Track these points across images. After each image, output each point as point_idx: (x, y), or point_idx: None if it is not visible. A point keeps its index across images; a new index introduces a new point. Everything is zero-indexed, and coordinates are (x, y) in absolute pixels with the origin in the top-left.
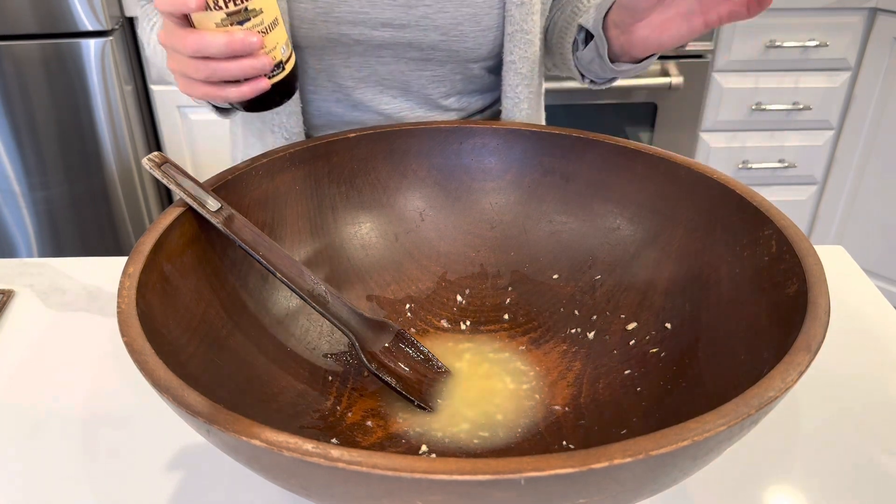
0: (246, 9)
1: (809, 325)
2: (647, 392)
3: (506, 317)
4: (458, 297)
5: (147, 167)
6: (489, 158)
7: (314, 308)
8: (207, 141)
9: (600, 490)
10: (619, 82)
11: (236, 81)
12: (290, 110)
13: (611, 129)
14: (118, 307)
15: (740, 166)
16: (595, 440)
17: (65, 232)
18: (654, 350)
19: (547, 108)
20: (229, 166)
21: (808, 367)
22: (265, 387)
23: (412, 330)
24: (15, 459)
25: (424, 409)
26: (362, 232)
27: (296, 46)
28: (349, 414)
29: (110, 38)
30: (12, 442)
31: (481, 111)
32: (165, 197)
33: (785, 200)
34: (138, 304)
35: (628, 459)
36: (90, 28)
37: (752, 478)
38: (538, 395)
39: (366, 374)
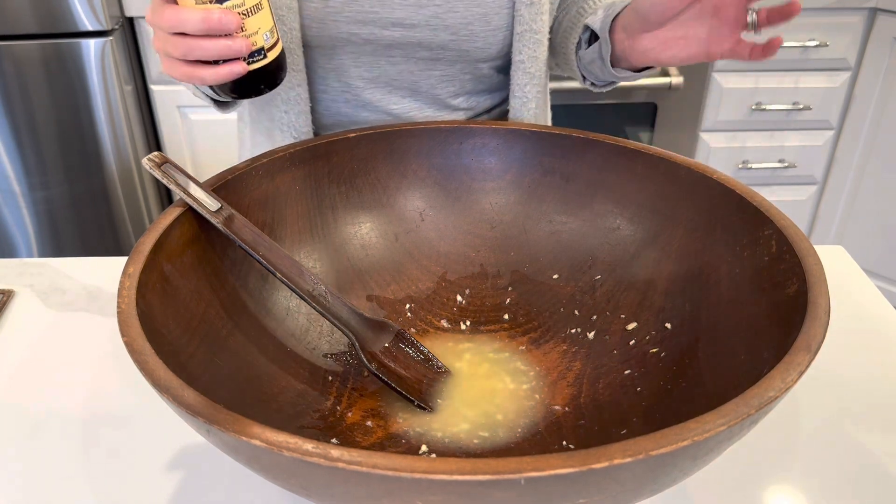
0: None
1: (809, 325)
2: (647, 392)
3: (506, 317)
4: (458, 297)
5: (147, 167)
6: (489, 158)
7: (314, 308)
8: (207, 141)
9: (600, 490)
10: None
11: (216, 63)
12: (298, 110)
13: (611, 129)
14: (118, 307)
15: (740, 166)
16: (595, 440)
17: (65, 232)
18: (654, 350)
19: None
20: (229, 166)
21: (808, 367)
22: (265, 387)
23: (412, 330)
24: (15, 459)
25: (424, 409)
26: (362, 232)
27: (306, 46)
28: (349, 414)
29: (110, 38)
30: (12, 442)
31: (489, 111)
32: (165, 197)
33: (785, 200)
34: (138, 304)
35: (628, 459)
36: (90, 28)
37: (752, 478)
38: (538, 395)
39: (366, 374)
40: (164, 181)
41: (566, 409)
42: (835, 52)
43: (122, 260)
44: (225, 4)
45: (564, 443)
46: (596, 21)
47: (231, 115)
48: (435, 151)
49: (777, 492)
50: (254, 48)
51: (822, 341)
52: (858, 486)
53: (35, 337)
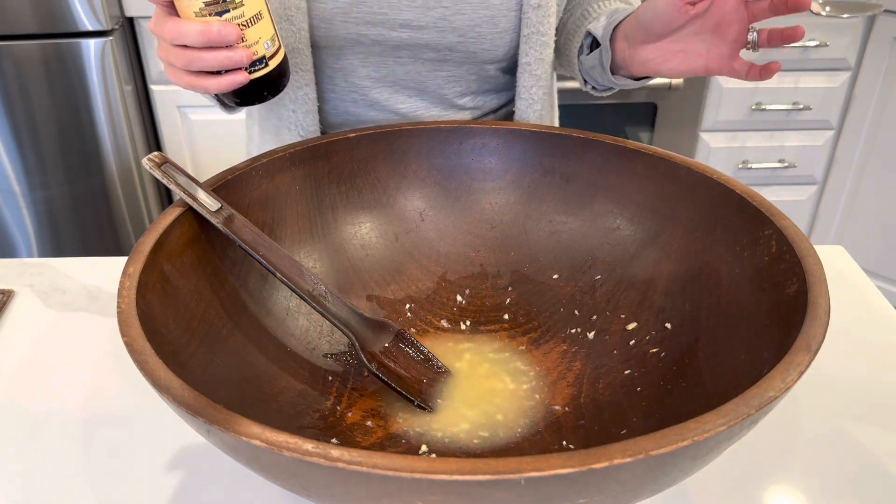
0: (224, 0)
1: (809, 325)
2: (647, 392)
3: (506, 317)
4: (458, 297)
5: (147, 167)
6: (489, 158)
7: (314, 308)
8: (207, 141)
9: (600, 490)
10: None
11: (218, 73)
12: (306, 109)
13: (611, 129)
14: (118, 307)
15: (740, 166)
16: (595, 440)
17: (65, 232)
18: (654, 350)
19: None
20: (229, 166)
21: (808, 367)
22: (265, 387)
23: (412, 330)
24: (15, 459)
25: (424, 409)
26: (362, 232)
27: (314, 46)
28: (349, 414)
29: (110, 38)
30: (12, 442)
31: (495, 110)
32: (165, 197)
33: (785, 200)
34: (138, 304)
35: (628, 459)
36: (90, 28)
37: (752, 478)
38: (538, 395)
39: (366, 374)
40: (164, 181)
41: (566, 409)
42: (835, 52)
43: (122, 260)
44: (224, 17)
45: (564, 443)
46: (598, 28)
47: (231, 116)
48: (435, 151)
49: (777, 492)
50: (255, 57)
51: (822, 341)
52: (858, 486)
53: (35, 337)
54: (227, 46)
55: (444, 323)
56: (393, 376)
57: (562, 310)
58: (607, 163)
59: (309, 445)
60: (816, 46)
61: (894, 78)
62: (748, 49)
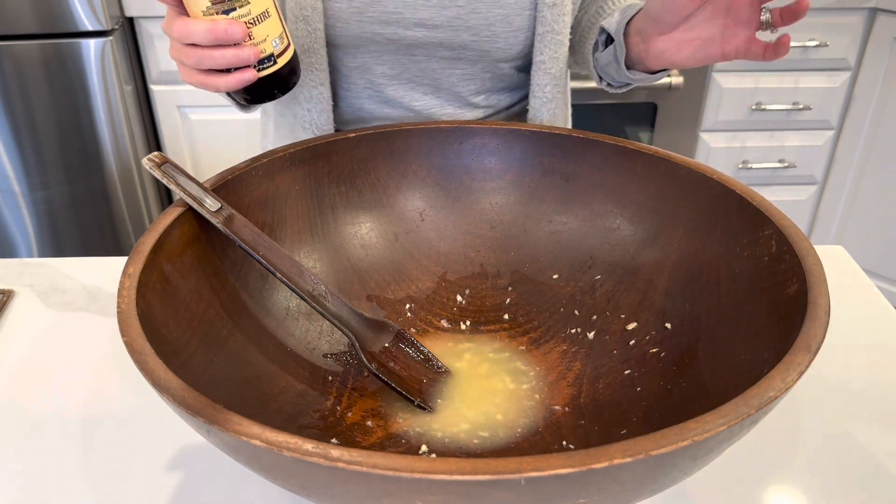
0: None
1: (809, 325)
2: (647, 392)
3: (506, 317)
4: (458, 297)
5: (147, 167)
6: (489, 158)
7: (314, 308)
8: (207, 141)
9: (600, 490)
10: None
11: (227, 71)
12: (321, 108)
13: (611, 129)
14: (118, 307)
15: (740, 166)
16: (595, 440)
17: (65, 232)
18: (654, 350)
19: None
20: (229, 166)
21: (808, 367)
22: (265, 387)
23: (412, 330)
24: (15, 459)
25: (424, 409)
26: (362, 232)
27: (330, 44)
28: (349, 414)
29: (110, 38)
30: (12, 442)
31: (509, 108)
32: (165, 197)
33: (785, 200)
34: (138, 304)
35: (628, 459)
36: (90, 28)
37: (752, 478)
38: (538, 395)
39: (366, 374)
40: (164, 181)
41: (566, 409)
42: (835, 52)
43: (122, 260)
44: (231, 15)
45: (564, 443)
46: (612, 23)
47: (230, 116)
48: (435, 151)
49: (777, 492)
50: (263, 55)
51: (822, 341)
52: (858, 486)
53: (35, 337)
54: (234, 44)
55: (444, 323)
56: (393, 376)
57: (562, 310)
58: (607, 163)
59: (309, 445)
60: (816, 46)
61: (894, 78)
62: (763, 30)
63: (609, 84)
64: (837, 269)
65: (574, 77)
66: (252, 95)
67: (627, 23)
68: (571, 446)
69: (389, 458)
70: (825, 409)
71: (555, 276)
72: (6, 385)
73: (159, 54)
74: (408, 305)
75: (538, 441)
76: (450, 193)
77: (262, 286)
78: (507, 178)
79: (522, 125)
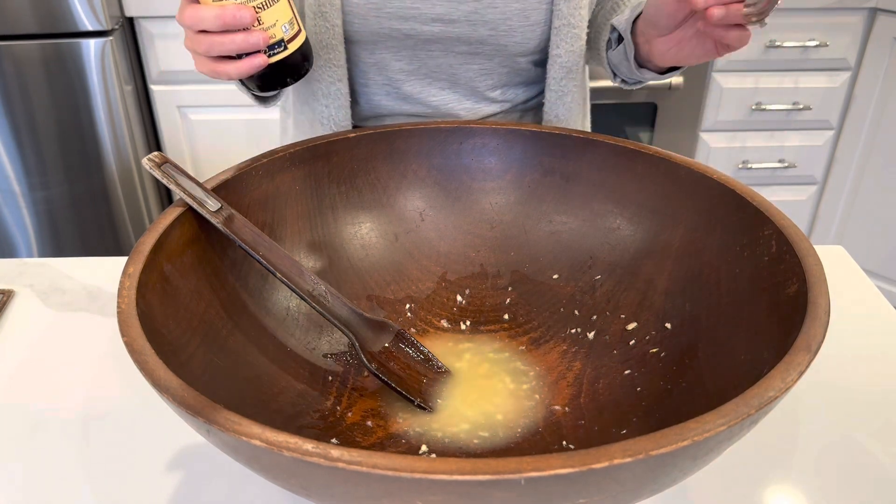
0: None
1: (809, 325)
2: (647, 392)
3: (506, 317)
4: (458, 297)
5: (147, 167)
6: (489, 158)
7: (314, 308)
8: (207, 141)
9: (600, 490)
10: None
11: (239, 58)
12: (339, 104)
13: (611, 129)
14: (118, 307)
15: (740, 166)
16: (595, 440)
17: (65, 232)
18: (654, 350)
19: None
20: (229, 166)
21: (808, 367)
22: (265, 387)
23: (412, 330)
24: (15, 459)
25: (424, 409)
26: (362, 232)
27: (347, 41)
28: (349, 414)
29: (110, 38)
30: (12, 442)
31: (526, 102)
32: (165, 197)
33: (785, 200)
34: (138, 304)
35: (628, 459)
36: (90, 28)
37: (752, 478)
38: (538, 395)
39: (366, 374)
40: (164, 181)
41: (566, 409)
42: (835, 52)
43: (122, 260)
44: (240, 0)
45: (564, 443)
46: (621, 21)
47: (230, 116)
48: (435, 151)
49: (777, 492)
50: (272, 40)
51: (822, 341)
52: (858, 485)
53: (35, 337)
54: (244, 29)
55: (444, 323)
56: (393, 376)
57: (562, 310)
58: (607, 163)
59: (309, 445)
60: (816, 46)
61: (894, 78)
62: (751, 22)
63: (623, 81)
64: (837, 269)
65: (603, 74)
66: (264, 82)
67: (634, 21)
68: (571, 446)
69: (389, 458)
70: (825, 409)
71: (555, 276)
72: (6, 385)
73: (159, 54)
74: (408, 305)
75: (538, 441)
76: (450, 193)
77: (262, 286)
78: (507, 178)
79: (522, 125)
